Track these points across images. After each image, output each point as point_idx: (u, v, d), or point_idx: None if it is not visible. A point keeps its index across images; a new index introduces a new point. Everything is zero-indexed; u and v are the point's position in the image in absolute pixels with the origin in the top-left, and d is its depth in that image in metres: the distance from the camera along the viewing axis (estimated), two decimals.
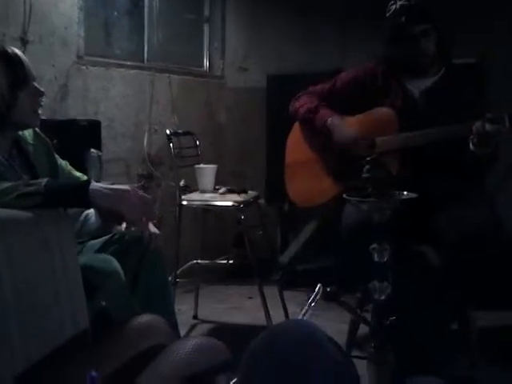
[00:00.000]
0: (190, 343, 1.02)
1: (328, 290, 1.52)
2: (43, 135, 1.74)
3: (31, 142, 1.69)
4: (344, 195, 1.49)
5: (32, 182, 1.39)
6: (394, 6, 2.05)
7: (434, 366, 1.89)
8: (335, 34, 3.87)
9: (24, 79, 1.58)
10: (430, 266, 2.01)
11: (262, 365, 0.86)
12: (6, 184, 1.36)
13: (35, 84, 1.61)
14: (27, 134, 1.69)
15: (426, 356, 1.86)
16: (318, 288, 1.43)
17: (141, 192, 1.46)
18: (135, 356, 1.03)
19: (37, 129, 1.71)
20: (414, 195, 1.46)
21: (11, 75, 1.55)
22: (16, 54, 1.57)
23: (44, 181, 1.38)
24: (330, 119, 2.12)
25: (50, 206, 1.34)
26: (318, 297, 1.40)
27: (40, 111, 1.64)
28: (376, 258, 1.44)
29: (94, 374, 0.81)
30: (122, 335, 1.10)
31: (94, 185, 1.41)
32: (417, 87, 2.09)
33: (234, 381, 0.91)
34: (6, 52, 1.56)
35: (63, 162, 1.79)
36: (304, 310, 1.30)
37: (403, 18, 2.00)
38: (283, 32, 3.89)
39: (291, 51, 3.87)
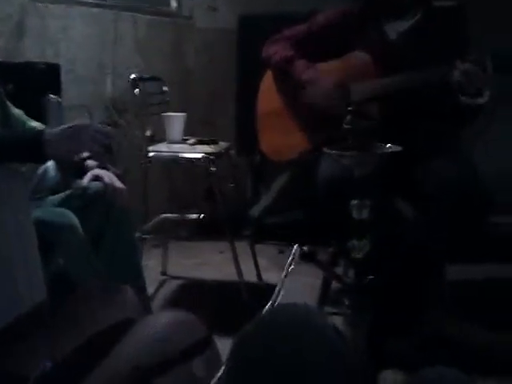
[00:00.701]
0: (163, 319, 0.92)
1: (305, 249, 1.45)
2: None
3: None
4: (325, 149, 1.41)
5: None
6: None
7: (409, 322, 1.88)
8: None
9: None
10: (406, 221, 1.97)
11: (254, 352, 0.77)
12: None
13: None
14: None
15: (402, 313, 1.84)
16: (294, 250, 1.35)
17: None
18: (100, 332, 0.93)
19: None
20: (398, 148, 1.38)
21: None
22: None
23: None
24: (305, 73, 2.00)
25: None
26: (295, 259, 1.33)
27: None
28: (355, 214, 1.36)
29: (48, 363, 0.72)
30: (85, 308, 1.00)
31: (49, 133, 1.29)
32: (394, 29, 2.00)
33: (222, 369, 0.82)
34: None
35: (18, 112, 1.64)
36: (283, 275, 1.22)
37: None
38: None
39: None
